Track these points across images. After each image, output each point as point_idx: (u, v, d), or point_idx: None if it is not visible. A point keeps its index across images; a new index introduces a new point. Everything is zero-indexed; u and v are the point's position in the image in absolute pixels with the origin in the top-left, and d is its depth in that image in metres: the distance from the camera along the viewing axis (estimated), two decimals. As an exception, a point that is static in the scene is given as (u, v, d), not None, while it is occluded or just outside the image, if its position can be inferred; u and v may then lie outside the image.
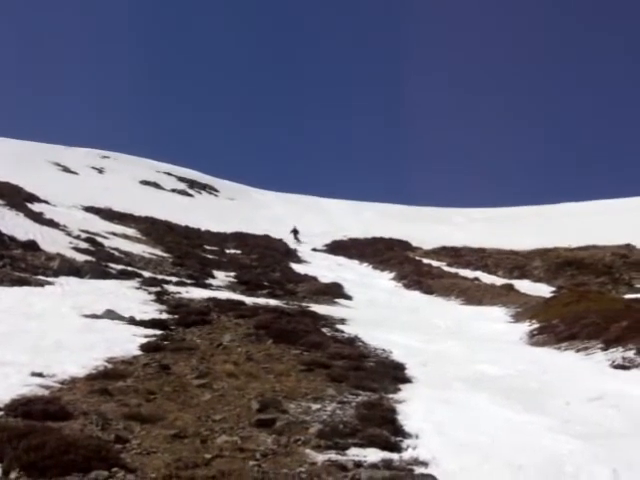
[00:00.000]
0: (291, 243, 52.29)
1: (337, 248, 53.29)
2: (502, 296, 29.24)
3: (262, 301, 22.39)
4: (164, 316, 16.93)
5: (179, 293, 21.67)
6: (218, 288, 25.74)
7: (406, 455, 7.78)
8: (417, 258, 46.05)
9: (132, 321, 15.34)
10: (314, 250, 51.08)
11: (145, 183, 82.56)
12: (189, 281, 25.71)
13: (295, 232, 56.13)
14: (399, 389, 11.47)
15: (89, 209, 46.16)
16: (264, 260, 39.09)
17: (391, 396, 10.83)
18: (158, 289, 21.80)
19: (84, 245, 29.22)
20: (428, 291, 33.07)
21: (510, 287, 32.56)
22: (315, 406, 9.72)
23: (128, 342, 13.04)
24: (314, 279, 33.38)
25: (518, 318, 23.56)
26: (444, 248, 50.36)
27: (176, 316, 16.98)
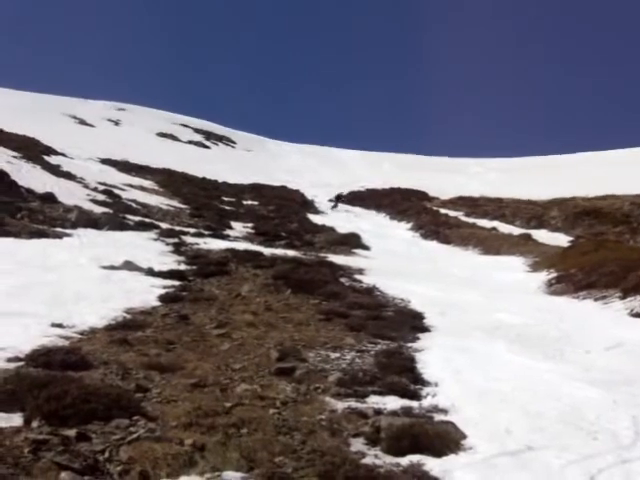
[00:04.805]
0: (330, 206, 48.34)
1: (354, 199, 53.00)
2: (520, 246, 29.14)
3: (280, 252, 22.41)
4: (182, 267, 16.96)
5: (197, 244, 21.71)
6: (236, 239, 25.77)
7: (425, 403, 7.79)
8: (434, 208, 45.84)
9: (150, 272, 15.37)
10: (331, 201, 50.81)
11: (162, 135, 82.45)
12: (207, 232, 25.72)
13: (339, 198, 50.56)
14: (418, 338, 11.47)
15: (106, 161, 46.08)
16: (281, 211, 39.08)
17: (410, 345, 10.84)
18: (176, 240, 21.84)
19: (101, 197, 29.24)
20: (445, 241, 33.01)
21: (528, 237, 32.43)
22: (334, 355, 9.75)
23: (147, 293, 13.10)
24: (332, 230, 33.32)
25: (536, 267, 23.49)
26: (461, 198, 50.02)
27: (194, 267, 17.03)
